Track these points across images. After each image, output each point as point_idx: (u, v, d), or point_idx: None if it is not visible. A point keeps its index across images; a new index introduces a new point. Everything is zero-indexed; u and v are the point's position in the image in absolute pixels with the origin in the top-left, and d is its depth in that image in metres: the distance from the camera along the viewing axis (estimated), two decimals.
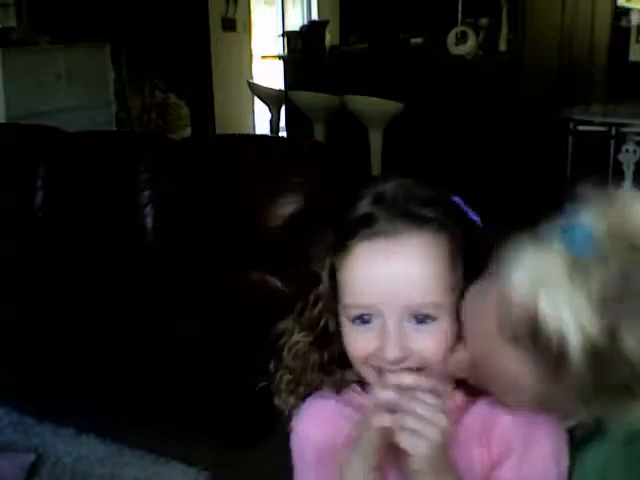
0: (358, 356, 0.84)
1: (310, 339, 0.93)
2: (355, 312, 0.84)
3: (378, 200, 0.85)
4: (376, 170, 4.73)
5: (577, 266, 0.66)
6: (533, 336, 0.68)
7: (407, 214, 0.82)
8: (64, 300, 2.49)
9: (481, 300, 0.77)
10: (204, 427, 2.43)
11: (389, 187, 0.86)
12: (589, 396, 0.70)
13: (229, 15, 6.69)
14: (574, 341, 0.65)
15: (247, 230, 2.69)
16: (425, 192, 0.87)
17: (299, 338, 0.95)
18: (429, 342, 0.81)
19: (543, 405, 0.76)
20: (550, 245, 0.69)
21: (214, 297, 2.24)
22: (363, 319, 0.83)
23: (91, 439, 2.38)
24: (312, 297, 0.94)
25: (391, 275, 0.80)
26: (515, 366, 0.72)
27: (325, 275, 0.90)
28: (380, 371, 0.82)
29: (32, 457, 2.27)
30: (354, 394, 0.91)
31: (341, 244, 0.86)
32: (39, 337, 2.53)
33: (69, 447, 2.34)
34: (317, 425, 0.91)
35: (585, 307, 0.65)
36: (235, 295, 2.19)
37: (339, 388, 0.91)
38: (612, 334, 0.65)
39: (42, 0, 4.71)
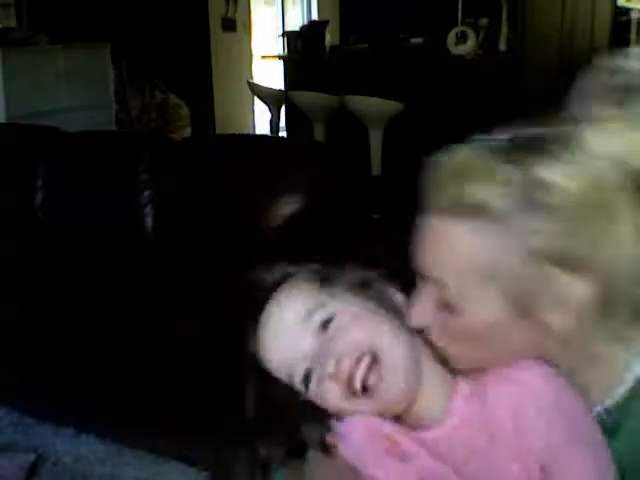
0: (335, 405, 0.86)
1: None
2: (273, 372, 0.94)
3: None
4: (376, 170, 4.74)
5: None
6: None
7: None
8: (64, 300, 2.49)
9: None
10: (204, 427, 2.43)
11: None
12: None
13: (229, 15, 6.70)
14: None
15: (247, 230, 2.69)
16: None
17: None
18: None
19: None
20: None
21: (214, 297, 2.24)
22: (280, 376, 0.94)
23: (91, 439, 2.38)
24: None
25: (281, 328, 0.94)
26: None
27: None
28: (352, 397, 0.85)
29: (32, 457, 2.27)
30: None
31: None
32: (39, 337, 2.53)
33: (69, 447, 2.34)
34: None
35: None
36: (235, 295, 2.19)
37: None
38: None
39: (42, 0, 4.71)
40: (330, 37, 6.10)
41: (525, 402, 0.77)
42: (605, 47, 4.37)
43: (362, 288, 0.88)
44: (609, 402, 0.80)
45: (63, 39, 4.50)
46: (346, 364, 0.80)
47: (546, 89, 4.61)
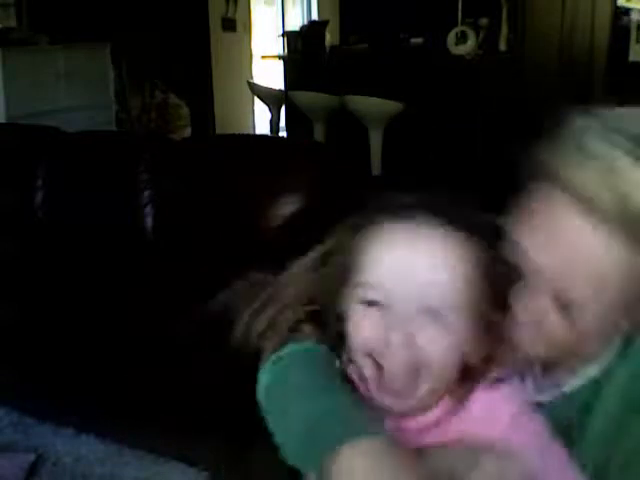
0: (361, 342, 0.81)
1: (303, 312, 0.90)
2: (367, 294, 0.80)
3: (422, 200, 0.85)
4: (376, 170, 4.74)
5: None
6: (622, 215, 0.70)
7: (446, 214, 0.81)
8: (64, 300, 2.49)
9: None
10: (204, 427, 2.43)
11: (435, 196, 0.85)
12: None
13: (229, 15, 6.69)
14: None
15: (247, 230, 2.70)
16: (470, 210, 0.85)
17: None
18: (438, 340, 0.77)
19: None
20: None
21: (214, 297, 2.24)
22: (372, 302, 0.80)
23: (91, 439, 2.37)
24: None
25: (412, 264, 0.78)
26: (604, 254, 0.72)
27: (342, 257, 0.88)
28: (378, 368, 0.79)
29: (32, 457, 2.26)
30: None
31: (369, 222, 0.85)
32: (39, 337, 2.53)
33: (69, 447, 2.34)
34: None
35: None
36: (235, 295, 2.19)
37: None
38: None
39: (42, 0, 4.71)
40: (330, 37, 6.10)
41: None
42: (605, 47, 4.38)
43: None
44: (593, 372, 0.83)
45: (63, 39, 4.50)
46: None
47: (546, 89, 4.62)
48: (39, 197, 3.15)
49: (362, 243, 0.84)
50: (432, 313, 0.77)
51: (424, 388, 0.78)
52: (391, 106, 4.63)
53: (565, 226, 0.74)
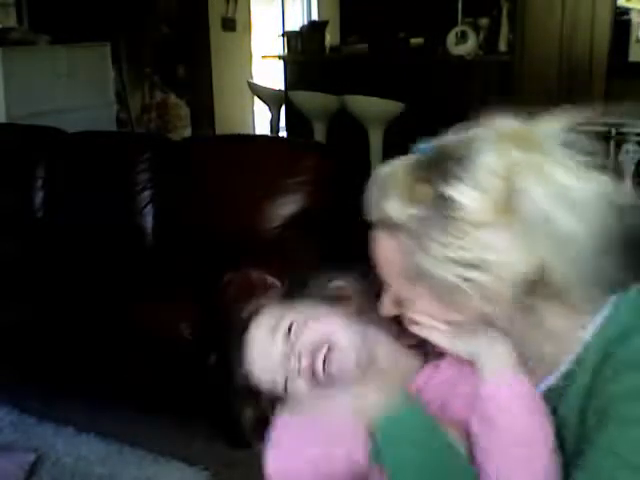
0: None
1: None
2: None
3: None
4: None
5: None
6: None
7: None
8: (64, 300, 2.49)
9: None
10: (204, 427, 2.43)
11: None
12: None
13: (229, 15, 6.69)
14: None
15: (247, 230, 2.69)
16: None
17: None
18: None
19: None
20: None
21: (214, 297, 2.24)
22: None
23: (91, 439, 2.38)
24: None
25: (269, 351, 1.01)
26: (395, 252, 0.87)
27: None
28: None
29: (32, 457, 2.26)
30: None
31: None
32: (39, 337, 2.53)
33: (69, 447, 2.34)
34: None
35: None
36: (235, 295, 2.19)
37: None
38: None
39: (42, 0, 4.71)
40: (330, 37, 6.10)
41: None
42: (605, 47, 4.37)
43: (319, 293, 1.02)
44: (561, 369, 0.89)
45: (64, 39, 4.50)
46: (306, 357, 0.92)
47: (546, 89, 4.62)
48: (39, 197, 3.15)
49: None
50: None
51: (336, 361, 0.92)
52: (391, 106, 4.62)
53: (375, 244, 0.91)
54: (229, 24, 6.70)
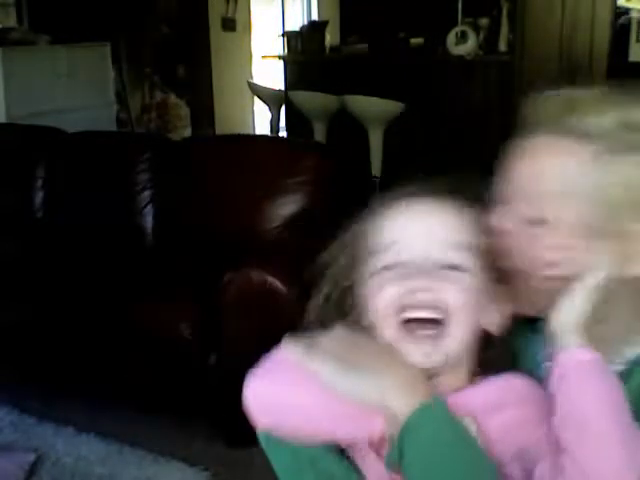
0: (385, 306, 0.82)
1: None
2: (382, 258, 0.83)
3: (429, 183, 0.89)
4: (376, 170, 4.73)
5: None
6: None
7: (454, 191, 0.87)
8: (64, 300, 2.49)
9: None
10: (204, 427, 2.43)
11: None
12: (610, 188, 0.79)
13: (229, 15, 6.69)
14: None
15: (247, 230, 2.69)
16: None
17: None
18: (455, 291, 0.81)
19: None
20: None
21: (214, 297, 2.24)
22: (388, 266, 0.83)
23: (91, 439, 2.38)
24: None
25: (426, 224, 0.83)
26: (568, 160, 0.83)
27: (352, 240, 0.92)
28: (403, 326, 0.81)
29: (32, 457, 2.26)
30: None
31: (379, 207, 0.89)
32: (39, 337, 2.53)
33: (69, 447, 2.34)
34: None
35: None
36: (235, 295, 2.19)
37: None
38: None
39: (42, 0, 4.71)
40: (330, 37, 6.10)
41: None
42: (605, 47, 4.37)
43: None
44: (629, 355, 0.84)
45: (64, 39, 4.50)
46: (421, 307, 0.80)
47: (546, 89, 4.61)
48: (39, 197, 3.15)
49: (376, 219, 0.88)
50: (448, 268, 0.81)
51: (448, 341, 0.80)
52: (391, 106, 4.62)
53: (544, 152, 0.86)
54: (229, 24, 6.70)
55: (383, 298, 0.82)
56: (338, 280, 0.90)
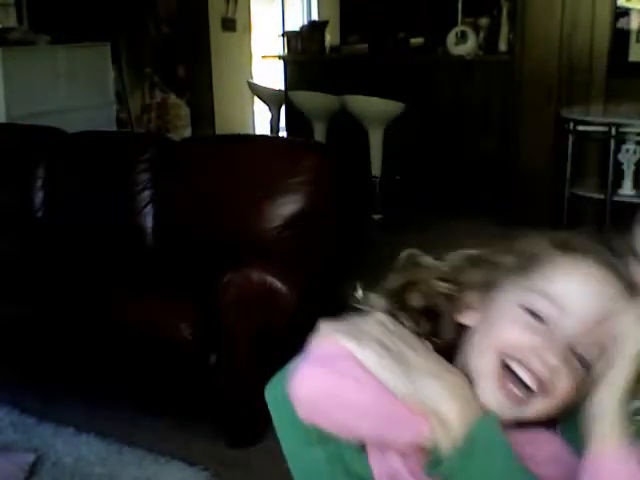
0: (505, 343, 0.77)
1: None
2: (539, 303, 0.78)
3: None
4: (376, 170, 4.73)
5: None
6: None
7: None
8: (64, 300, 2.49)
9: None
10: (204, 427, 2.43)
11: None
12: None
13: (229, 15, 6.69)
14: None
15: (247, 230, 2.70)
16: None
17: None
18: (568, 383, 0.76)
19: None
20: None
21: (214, 297, 2.24)
22: (536, 314, 0.77)
23: (91, 439, 2.38)
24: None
25: (593, 300, 0.78)
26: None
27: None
28: (502, 375, 0.77)
29: (32, 457, 2.26)
30: None
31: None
32: (39, 337, 2.53)
33: (69, 447, 2.34)
34: None
35: None
36: (235, 295, 2.19)
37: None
38: None
39: (42, 0, 4.71)
40: (330, 37, 6.10)
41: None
42: (605, 47, 4.37)
43: None
44: None
45: (63, 39, 4.50)
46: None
47: (546, 89, 4.62)
48: (39, 197, 3.14)
49: (555, 257, 0.81)
50: (579, 360, 0.77)
51: (536, 407, 0.77)
52: (391, 106, 4.62)
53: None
54: (229, 24, 6.70)
55: (509, 334, 0.78)
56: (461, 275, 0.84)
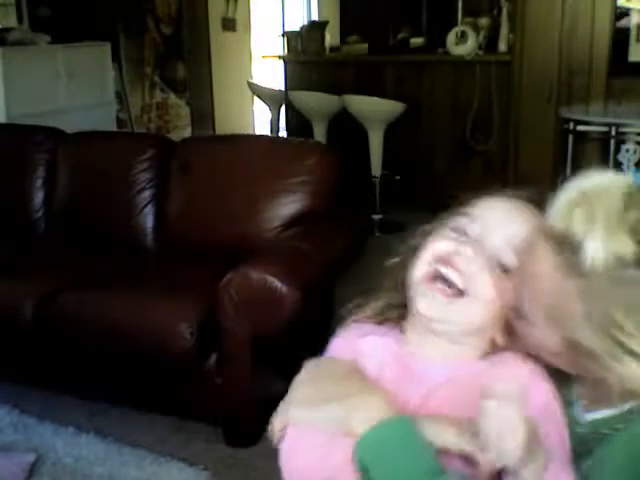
0: (434, 253, 0.92)
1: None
2: (464, 222, 0.93)
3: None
4: (376, 170, 4.73)
5: (630, 194, 0.79)
6: (562, 235, 0.81)
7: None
8: (64, 300, 2.48)
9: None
10: (204, 427, 2.43)
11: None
12: (600, 316, 0.76)
13: (229, 15, 6.69)
14: (595, 247, 0.77)
15: (247, 230, 2.69)
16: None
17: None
18: (491, 284, 0.89)
19: (558, 323, 0.81)
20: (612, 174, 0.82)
21: (214, 297, 2.24)
22: (461, 230, 0.92)
23: (91, 439, 2.38)
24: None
25: (507, 219, 0.93)
26: (544, 260, 0.84)
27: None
28: (433, 277, 0.90)
29: (32, 457, 2.26)
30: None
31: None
32: (39, 337, 2.52)
33: (69, 447, 2.34)
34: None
35: (617, 225, 0.77)
36: (235, 295, 2.19)
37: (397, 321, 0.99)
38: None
39: (42, 0, 4.71)
40: (330, 37, 6.09)
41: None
42: (605, 47, 4.37)
43: None
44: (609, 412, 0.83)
45: (63, 39, 4.50)
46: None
47: (546, 89, 4.62)
48: (39, 197, 3.15)
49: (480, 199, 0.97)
50: (500, 266, 0.89)
51: (458, 310, 0.88)
52: (391, 106, 4.62)
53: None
54: (229, 24, 6.70)
55: (433, 246, 0.92)
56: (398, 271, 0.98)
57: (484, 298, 0.88)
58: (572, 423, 0.87)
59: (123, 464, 2.26)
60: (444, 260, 0.90)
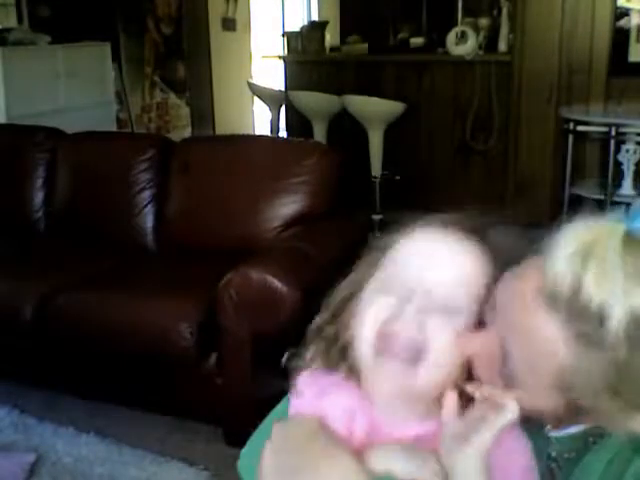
0: (371, 323, 0.83)
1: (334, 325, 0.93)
2: (389, 284, 0.83)
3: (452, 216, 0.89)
4: (376, 170, 4.73)
5: (631, 242, 0.70)
6: (572, 302, 0.71)
7: (473, 231, 0.86)
8: (64, 300, 2.48)
9: (518, 278, 0.79)
10: (204, 427, 2.43)
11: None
12: (618, 382, 0.70)
13: (229, 15, 6.69)
14: (618, 313, 0.68)
15: (247, 230, 2.70)
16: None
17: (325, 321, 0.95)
18: (443, 333, 0.81)
19: (564, 391, 0.75)
20: (605, 221, 0.72)
21: (214, 297, 2.24)
22: (390, 290, 0.83)
23: (91, 439, 2.38)
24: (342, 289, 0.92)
25: (439, 263, 0.83)
26: (548, 329, 0.74)
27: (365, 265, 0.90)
28: (383, 349, 0.82)
29: (32, 457, 2.26)
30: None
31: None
32: (39, 337, 2.52)
33: (69, 447, 2.34)
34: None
35: (635, 281, 0.68)
36: (235, 295, 2.19)
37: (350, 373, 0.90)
38: None
39: (42, 0, 4.71)
40: (330, 37, 6.10)
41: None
42: (605, 47, 4.37)
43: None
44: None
45: (63, 39, 4.49)
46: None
47: (546, 89, 4.62)
48: (39, 197, 3.15)
49: (389, 247, 0.88)
50: (445, 309, 0.81)
51: (424, 373, 0.81)
52: (391, 106, 4.62)
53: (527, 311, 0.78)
54: (229, 24, 6.70)
55: (369, 317, 0.83)
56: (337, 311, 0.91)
57: (444, 361, 0.82)
58: (542, 447, 0.85)
59: (123, 464, 2.26)
60: (387, 334, 0.82)
